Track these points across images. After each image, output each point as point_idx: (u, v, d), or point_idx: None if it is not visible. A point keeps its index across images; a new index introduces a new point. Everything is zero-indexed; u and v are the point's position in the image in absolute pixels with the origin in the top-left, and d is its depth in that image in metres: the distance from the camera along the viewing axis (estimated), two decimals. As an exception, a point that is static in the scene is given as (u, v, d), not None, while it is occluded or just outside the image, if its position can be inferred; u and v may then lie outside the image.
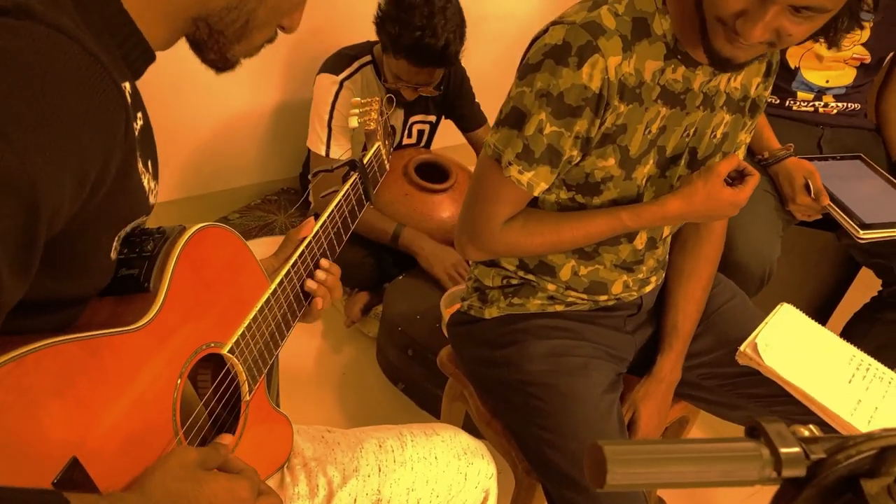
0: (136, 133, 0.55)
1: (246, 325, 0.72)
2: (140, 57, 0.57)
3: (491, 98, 2.04)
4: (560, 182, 1.01)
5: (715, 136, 1.05)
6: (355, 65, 1.81)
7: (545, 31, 0.92)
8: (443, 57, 1.66)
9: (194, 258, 0.65)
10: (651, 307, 1.21)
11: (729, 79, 1.00)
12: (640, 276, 1.13)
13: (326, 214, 0.87)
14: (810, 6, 0.79)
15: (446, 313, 1.57)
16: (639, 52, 0.91)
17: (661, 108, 0.96)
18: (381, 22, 1.68)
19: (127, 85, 0.52)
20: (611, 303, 1.15)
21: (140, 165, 0.57)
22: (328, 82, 1.78)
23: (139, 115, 0.55)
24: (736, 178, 1.00)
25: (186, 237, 0.64)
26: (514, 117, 0.94)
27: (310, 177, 1.05)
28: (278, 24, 0.65)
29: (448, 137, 2.14)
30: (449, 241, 1.84)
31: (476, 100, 2.00)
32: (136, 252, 0.63)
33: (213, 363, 0.72)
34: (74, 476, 0.50)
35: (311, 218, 0.86)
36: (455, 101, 1.97)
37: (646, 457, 0.34)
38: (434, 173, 1.98)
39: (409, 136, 2.02)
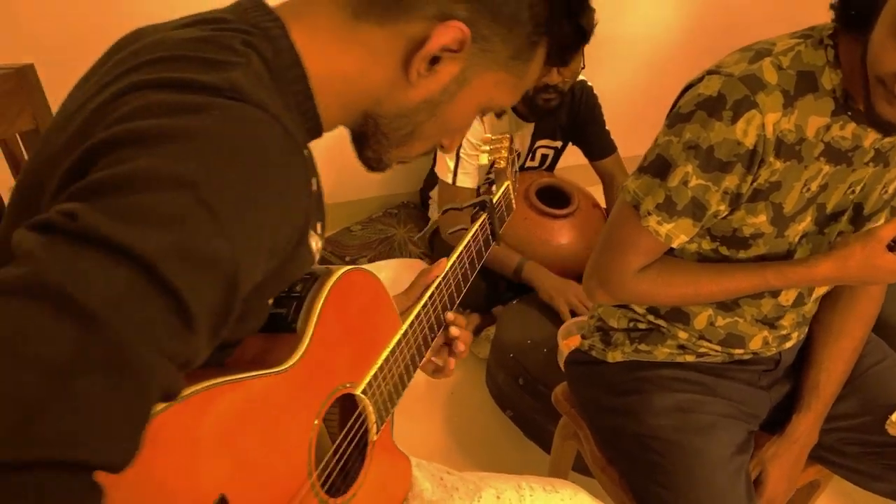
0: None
1: (378, 366, 0.73)
2: (311, 131, 0.60)
3: (613, 121, 1.98)
4: (704, 232, 0.96)
5: (886, 191, 0.97)
6: None
7: (700, 79, 0.88)
8: None
9: (339, 301, 0.67)
10: (790, 363, 1.13)
11: None
12: (783, 332, 1.06)
13: (456, 255, 0.87)
14: None
15: (563, 345, 1.54)
16: (801, 107, 0.85)
17: (823, 165, 0.89)
18: None
19: (305, 151, 0.55)
20: (746, 357, 1.08)
21: (311, 230, 0.59)
22: None
23: (314, 180, 0.57)
24: None
25: (333, 280, 0.66)
26: (658, 166, 0.90)
27: (441, 214, 1.06)
28: (439, 141, 0.67)
29: (570, 157, 2.10)
30: (566, 269, 1.80)
31: (606, 127, 1.95)
32: (286, 292, 0.65)
33: (340, 402, 0.74)
34: (222, 515, 0.53)
35: (444, 259, 0.86)
36: (584, 128, 1.92)
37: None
38: (556, 197, 1.95)
39: (532, 159, 2.00)
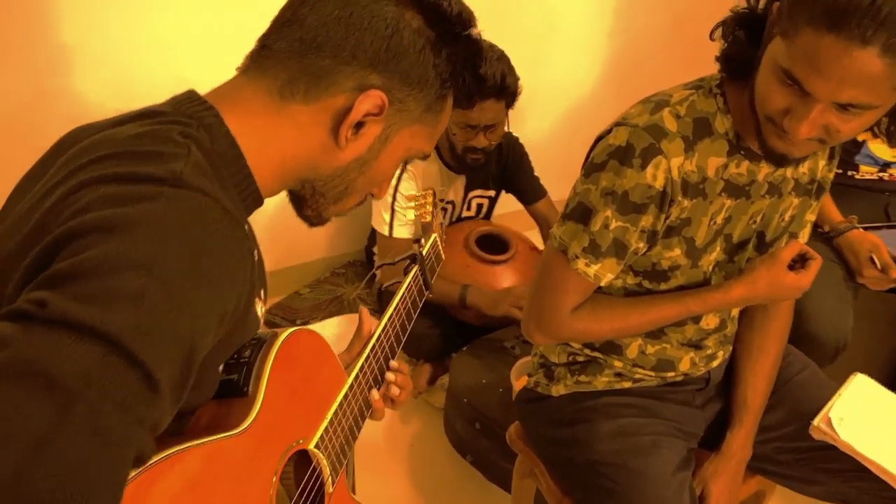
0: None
1: (328, 420, 0.77)
2: (253, 204, 0.66)
3: (541, 167, 2.11)
4: (627, 268, 1.04)
5: (783, 219, 1.08)
6: None
7: (609, 131, 0.97)
8: (502, 87, 1.71)
9: (286, 361, 0.71)
10: (719, 381, 1.21)
11: (796, 165, 1.03)
12: (708, 351, 1.14)
13: (392, 307, 0.93)
14: (855, 104, 0.78)
15: (517, 385, 1.60)
16: (701, 150, 0.95)
17: (725, 200, 0.99)
18: None
19: (246, 226, 0.60)
20: (678, 378, 1.15)
21: (255, 297, 0.64)
22: None
23: (255, 251, 0.63)
24: (798, 261, 1.02)
25: (279, 343, 0.71)
26: (579, 212, 0.98)
27: (375, 270, 1.13)
28: (370, 192, 0.74)
29: (507, 204, 2.21)
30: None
31: (535, 173, 2.06)
32: (235, 358, 0.69)
33: (293, 458, 0.77)
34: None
35: (364, 308, 0.93)
36: (514, 176, 2.04)
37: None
38: (494, 244, 2.03)
39: (469, 209, 2.09)
